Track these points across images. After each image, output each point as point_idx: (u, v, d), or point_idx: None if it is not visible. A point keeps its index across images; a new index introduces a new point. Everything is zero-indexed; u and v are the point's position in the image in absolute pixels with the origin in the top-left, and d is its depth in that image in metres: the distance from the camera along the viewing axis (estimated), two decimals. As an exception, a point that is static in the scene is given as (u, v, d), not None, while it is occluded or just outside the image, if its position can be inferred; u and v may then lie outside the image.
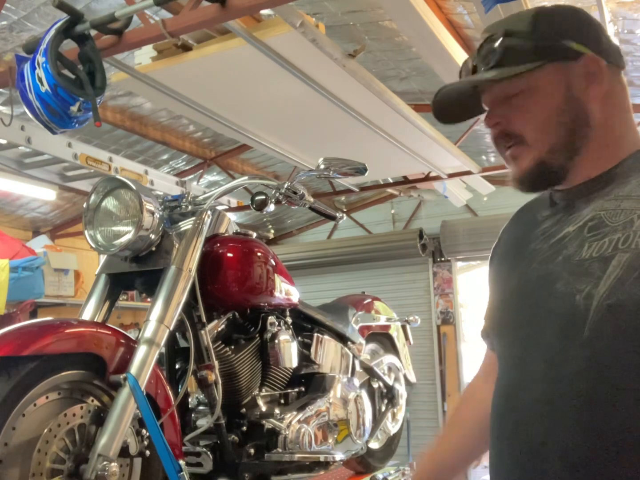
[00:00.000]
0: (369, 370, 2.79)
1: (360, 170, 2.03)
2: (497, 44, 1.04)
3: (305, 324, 2.43)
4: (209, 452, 1.95)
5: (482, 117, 1.17)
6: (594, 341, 0.90)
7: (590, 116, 1.03)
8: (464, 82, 1.11)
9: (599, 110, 1.03)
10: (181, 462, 1.58)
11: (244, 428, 2.03)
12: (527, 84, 1.04)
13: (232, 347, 2.04)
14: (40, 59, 2.36)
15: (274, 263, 2.18)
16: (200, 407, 2.08)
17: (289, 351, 2.17)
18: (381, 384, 2.88)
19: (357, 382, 2.59)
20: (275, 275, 2.16)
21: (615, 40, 3.41)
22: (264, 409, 2.09)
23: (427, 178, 5.52)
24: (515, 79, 1.03)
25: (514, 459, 0.97)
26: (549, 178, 1.06)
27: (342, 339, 2.59)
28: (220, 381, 1.90)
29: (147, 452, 1.63)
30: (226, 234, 2.12)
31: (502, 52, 1.03)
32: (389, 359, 3.00)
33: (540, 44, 1.03)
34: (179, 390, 1.95)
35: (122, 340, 1.65)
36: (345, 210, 7.45)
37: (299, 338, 2.34)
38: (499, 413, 1.04)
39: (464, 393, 1.38)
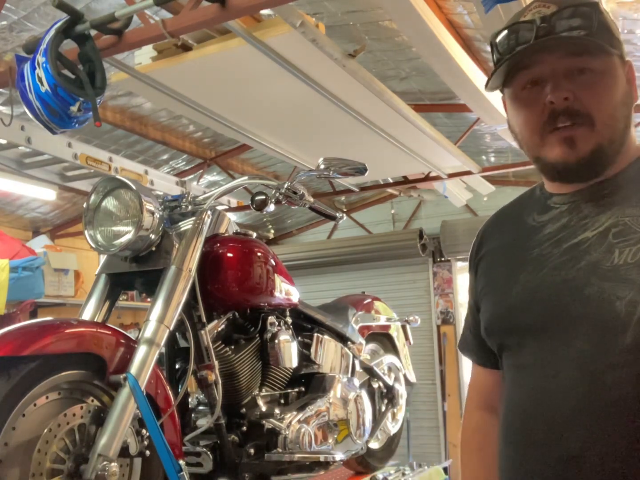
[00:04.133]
0: (369, 370, 2.79)
1: (360, 170, 2.03)
2: (593, 16, 0.98)
3: (305, 324, 2.43)
4: (209, 452, 1.95)
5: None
6: (636, 348, 0.88)
7: (631, 117, 1.03)
8: (573, 38, 0.98)
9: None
10: (181, 462, 1.58)
11: (244, 428, 2.03)
12: (604, 65, 1.00)
13: (232, 347, 2.04)
14: (40, 59, 2.36)
15: (274, 263, 2.18)
16: (200, 407, 2.08)
17: (289, 351, 2.17)
18: (381, 384, 2.88)
19: (357, 382, 2.58)
20: (275, 275, 2.16)
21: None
22: (264, 409, 2.08)
23: (427, 178, 5.52)
24: (593, 58, 0.99)
25: (548, 469, 0.94)
26: (599, 168, 1.01)
27: (342, 339, 2.59)
28: (220, 381, 1.90)
29: (147, 452, 1.63)
30: (226, 234, 2.12)
31: (597, 26, 0.98)
32: (389, 359, 3.00)
33: (615, 34, 1.02)
34: (179, 390, 1.95)
35: (122, 340, 1.65)
36: (345, 210, 7.45)
37: (299, 338, 2.34)
38: (522, 422, 0.99)
39: (474, 431, 1.22)
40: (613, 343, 0.90)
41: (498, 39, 1.05)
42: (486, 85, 1.09)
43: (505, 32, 1.03)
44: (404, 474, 2.91)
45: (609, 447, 0.88)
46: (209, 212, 1.99)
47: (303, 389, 2.33)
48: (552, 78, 1.00)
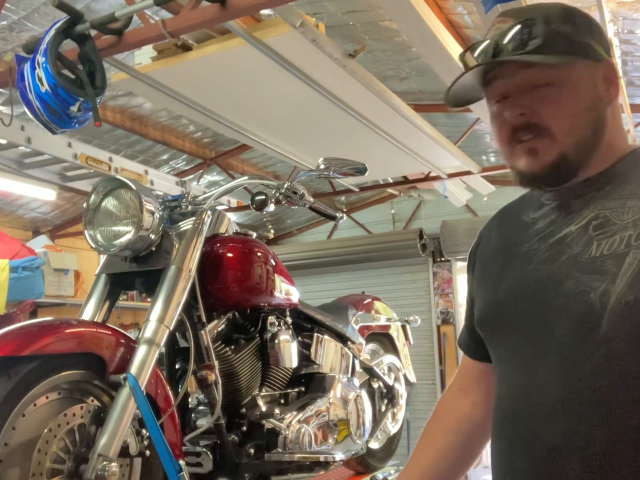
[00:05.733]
0: (369, 370, 2.79)
1: (360, 170, 2.03)
2: (539, 28, 1.00)
3: (305, 324, 2.42)
4: (209, 452, 1.95)
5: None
6: (612, 338, 0.89)
7: (606, 118, 1.04)
8: (511, 59, 1.01)
9: (610, 113, 1.05)
10: (181, 462, 1.58)
11: (244, 428, 2.03)
12: (561, 75, 1.01)
13: (232, 347, 2.04)
14: (40, 59, 2.36)
15: (274, 263, 2.17)
16: (200, 407, 2.08)
17: (289, 351, 2.17)
18: (381, 384, 2.87)
19: (357, 382, 2.58)
20: (275, 275, 2.16)
21: (615, 41, 3.42)
22: (264, 409, 2.08)
23: (427, 178, 5.52)
24: (549, 69, 1.00)
25: (531, 462, 0.95)
26: (566, 174, 1.03)
27: (342, 339, 2.58)
28: (220, 381, 1.90)
29: (147, 452, 1.63)
30: (226, 234, 2.12)
31: (544, 38, 0.99)
32: (389, 359, 3.00)
33: (576, 39, 1.02)
34: (179, 390, 1.95)
35: (122, 340, 1.65)
36: (345, 210, 7.45)
37: (299, 338, 2.34)
38: (507, 416, 1.01)
39: (440, 404, 1.31)
40: (589, 335, 0.91)
41: (463, 58, 1.08)
42: (450, 104, 1.12)
43: (467, 51, 1.07)
44: (404, 474, 2.90)
45: (588, 439, 0.89)
46: (209, 212, 1.98)
47: (303, 389, 2.32)
48: (511, 94, 1.03)
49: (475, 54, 1.05)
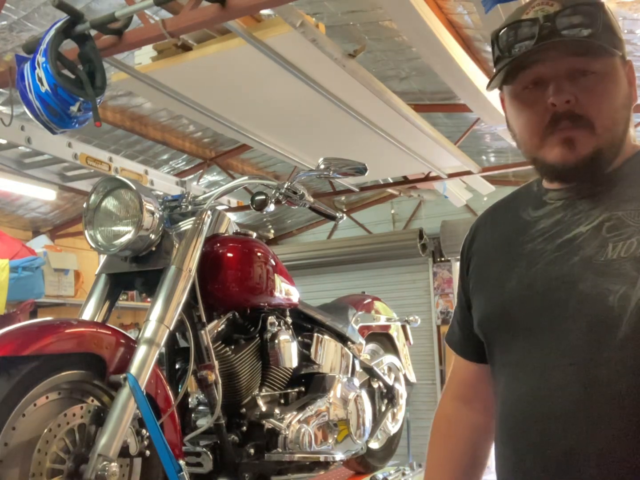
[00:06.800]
0: (369, 370, 2.79)
1: (360, 170, 2.04)
2: (594, 16, 0.97)
3: (305, 324, 2.43)
4: (209, 452, 1.95)
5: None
6: (630, 342, 0.88)
7: (631, 118, 1.04)
8: (575, 40, 0.96)
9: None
10: (181, 462, 1.58)
11: (244, 428, 2.03)
12: (604, 68, 0.99)
13: (232, 347, 2.04)
14: (40, 59, 2.36)
15: (274, 263, 2.18)
16: (200, 407, 2.08)
17: (289, 351, 2.17)
18: (381, 384, 2.88)
19: (357, 382, 2.58)
20: (275, 275, 2.16)
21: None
22: (264, 409, 2.08)
23: (427, 178, 5.52)
24: (595, 60, 0.98)
25: (544, 467, 0.93)
26: (597, 170, 1.01)
27: (342, 339, 2.59)
28: (220, 381, 1.90)
29: (147, 452, 1.63)
30: (226, 234, 2.12)
31: (598, 27, 0.97)
32: (389, 359, 3.00)
33: (618, 33, 1.01)
34: (179, 390, 1.95)
35: (122, 340, 1.65)
36: (345, 210, 7.45)
37: (299, 338, 2.34)
38: (517, 421, 0.99)
39: (443, 419, 1.26)
40: (607, 338, 0.90)
41: (499, 36, 1.03)
42: (488, 86, 1.08)
43: (507, 29, 1.02)
44: (404, 474, 2.91)
45: (605, 444, 0.87)
46: (209, 212, 1.99)
47: (303, 389, 2.32)
48: (554, 79, 0.99)
49: (521, 34, 0.99)
